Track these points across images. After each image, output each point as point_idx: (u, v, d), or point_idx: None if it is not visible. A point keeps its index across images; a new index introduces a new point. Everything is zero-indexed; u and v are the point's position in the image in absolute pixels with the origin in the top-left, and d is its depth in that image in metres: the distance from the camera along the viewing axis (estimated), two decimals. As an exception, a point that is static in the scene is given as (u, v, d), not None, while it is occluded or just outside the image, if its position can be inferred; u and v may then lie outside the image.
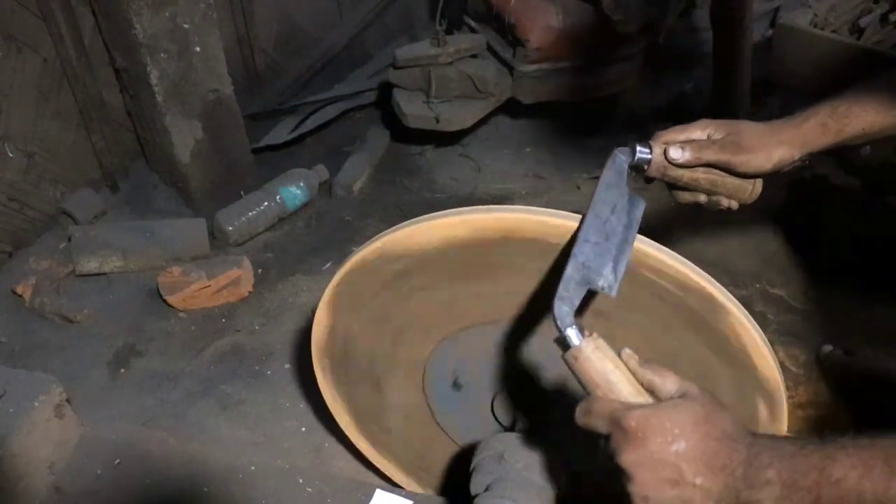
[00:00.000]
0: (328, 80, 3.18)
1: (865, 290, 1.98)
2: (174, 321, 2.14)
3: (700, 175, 1.09)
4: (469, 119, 2.65)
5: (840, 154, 2.13)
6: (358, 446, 1.45)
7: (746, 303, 1.49)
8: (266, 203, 2.47)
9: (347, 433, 1.43)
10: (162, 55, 2.21)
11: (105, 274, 2.26)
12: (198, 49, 2.29)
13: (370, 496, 1.25)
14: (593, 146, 2.78)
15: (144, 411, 1.85)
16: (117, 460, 1.30)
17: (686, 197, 1.15)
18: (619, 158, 1.05)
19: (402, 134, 2.83)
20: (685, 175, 1.09)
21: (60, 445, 1.28)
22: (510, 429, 1.24)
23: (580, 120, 2.87)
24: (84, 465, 1.29)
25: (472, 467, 1.16)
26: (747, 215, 2.15)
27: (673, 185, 1.13)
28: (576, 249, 0.93)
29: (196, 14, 2.25)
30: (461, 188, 2.71)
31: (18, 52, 2.13)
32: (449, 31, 2.75)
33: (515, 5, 2.59)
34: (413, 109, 2.65)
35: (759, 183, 1.11)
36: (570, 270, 0.91)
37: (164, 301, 2.15)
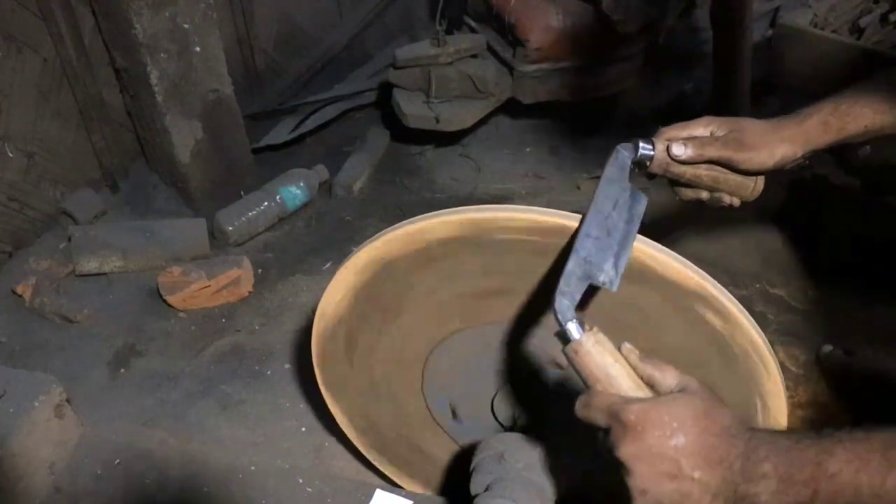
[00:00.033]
0: (328, 80, 3.18)
1: (865, 290, 1.98)
2: (174, 321, 2.14)
3: (702, 172, 1.09)
4: (469, 119, 2.65)
5: (840, 154, 2.13)
6: (358, 446, 1.45)
7: (746, 303, 1.48)
8: (266, 203, 2.47)
9: (347, 433, 1.43)
10: (162, 55, 2.21)
11: (105, 274, 2.26)
12: (198, 49, 2.29)
13: (370, 496, 1.25)
14: (593, 146, 2.78)
15: (144, 411, 1.85)
16: (117, 460, 1.30)
17: (688, 193, 1.15)
18: (622, 154, 1.05)
19: (402, 134, 2.83)
20: (687, 171, 1.09)
21: (60, 445, 1.28)
22: (510, 429, 1.24)
23: (580, 120, 2.87)
24: (84, 465, 1.29)
25: (472, 467, 1.16)
26: (748, 215, 2.16)
27: (675, 182, 1.13)
28: (577, 244, 0.93)
29: (196, 14, 2.25)
30: (461, 188, 2.71)
31: (18, 52, 2.13)
32: (449, 31, 2.75)
33: (515, 5, 2.59)
34: (413, 109, 2.65)
35: (760, 180, 1.12)
36: (572, 265, 0.91)
37: (164, 301, 2.15)
